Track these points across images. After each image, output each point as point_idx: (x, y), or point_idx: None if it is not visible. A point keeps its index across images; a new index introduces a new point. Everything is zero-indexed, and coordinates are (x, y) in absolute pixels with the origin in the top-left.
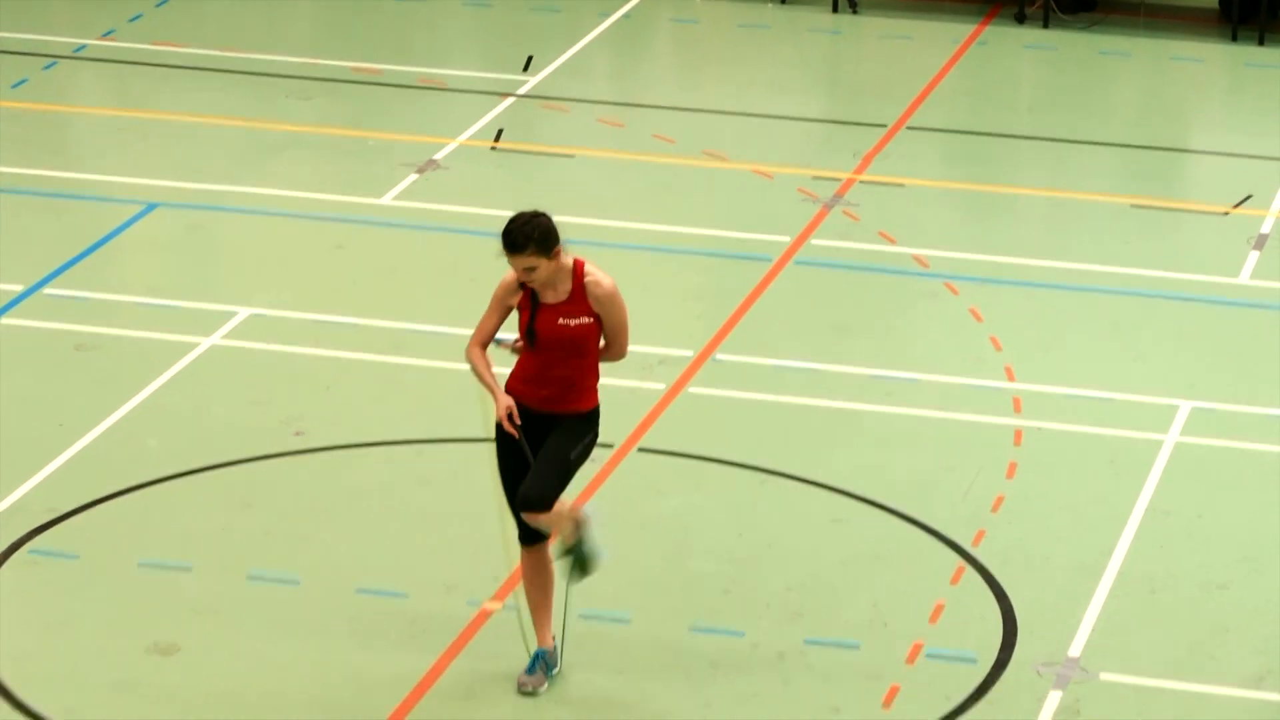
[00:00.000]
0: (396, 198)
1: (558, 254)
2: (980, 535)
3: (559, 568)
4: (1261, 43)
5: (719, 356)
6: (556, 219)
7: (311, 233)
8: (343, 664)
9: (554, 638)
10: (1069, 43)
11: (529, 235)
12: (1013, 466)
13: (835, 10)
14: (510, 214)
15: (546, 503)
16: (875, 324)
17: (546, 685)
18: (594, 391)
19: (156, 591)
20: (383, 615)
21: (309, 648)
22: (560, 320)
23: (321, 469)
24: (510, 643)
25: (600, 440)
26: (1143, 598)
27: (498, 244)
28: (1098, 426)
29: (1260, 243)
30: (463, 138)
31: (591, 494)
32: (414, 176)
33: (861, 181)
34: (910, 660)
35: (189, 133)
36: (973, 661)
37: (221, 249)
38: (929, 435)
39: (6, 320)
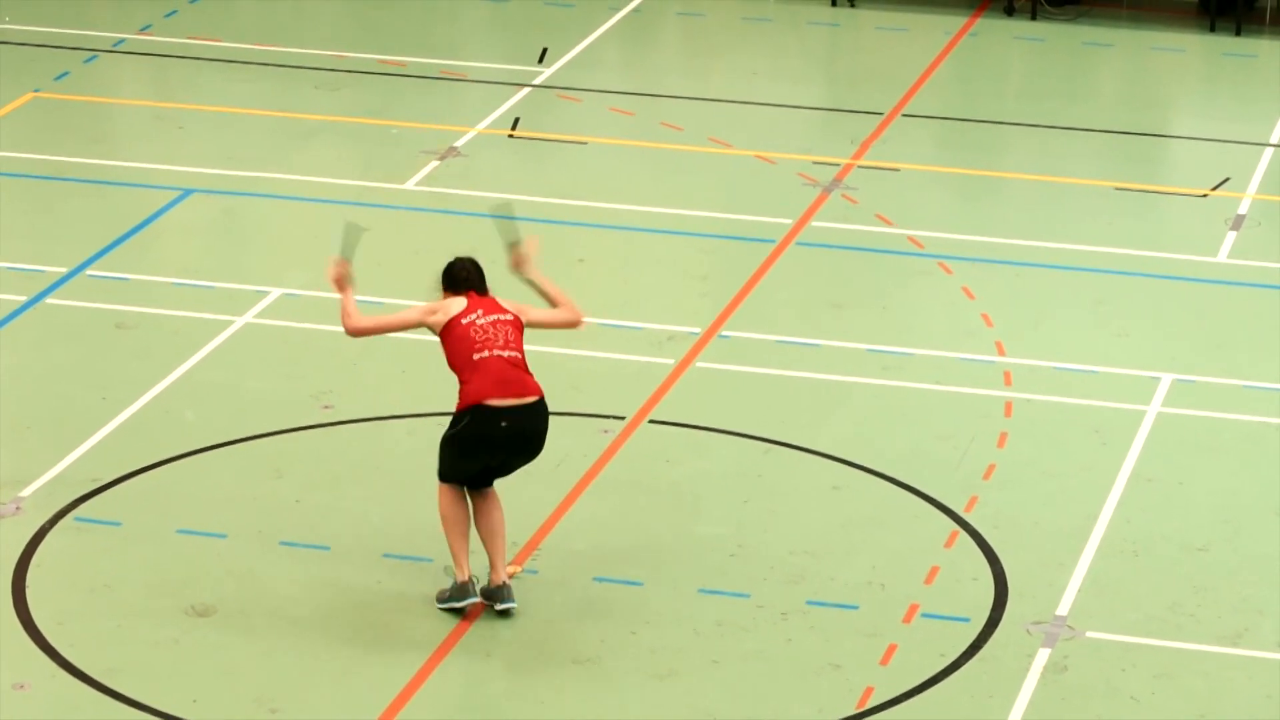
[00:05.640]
0: (419, 183)
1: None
2: (973, 501)
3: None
4: (1238, 33)
5: (725, 333)
6: (571, 203)
7: (339, 216)
8: (371, 625)
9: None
10: (1055, 34)
11: None
12: (1003, 436)
13: (834, 4)
14: (526, 199)
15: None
16: (873, 302)
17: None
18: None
19: (194, 556)
20: (408, 579)
21: (339, 609)
22: None
23: (349, 440)
24: (529, 603)
25: (613, 412)
26: (1126, 560)
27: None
28: (1083, 398)
29: (1237, 223)
30: (481, 126)
31: (606, 463)
32: (435, 163)
33: (859, 166)
34: (907, 620)
35: (223, 122)
36: (966, 621)
37: (254, 232)
38: (924, 407)
39: (52, 300)
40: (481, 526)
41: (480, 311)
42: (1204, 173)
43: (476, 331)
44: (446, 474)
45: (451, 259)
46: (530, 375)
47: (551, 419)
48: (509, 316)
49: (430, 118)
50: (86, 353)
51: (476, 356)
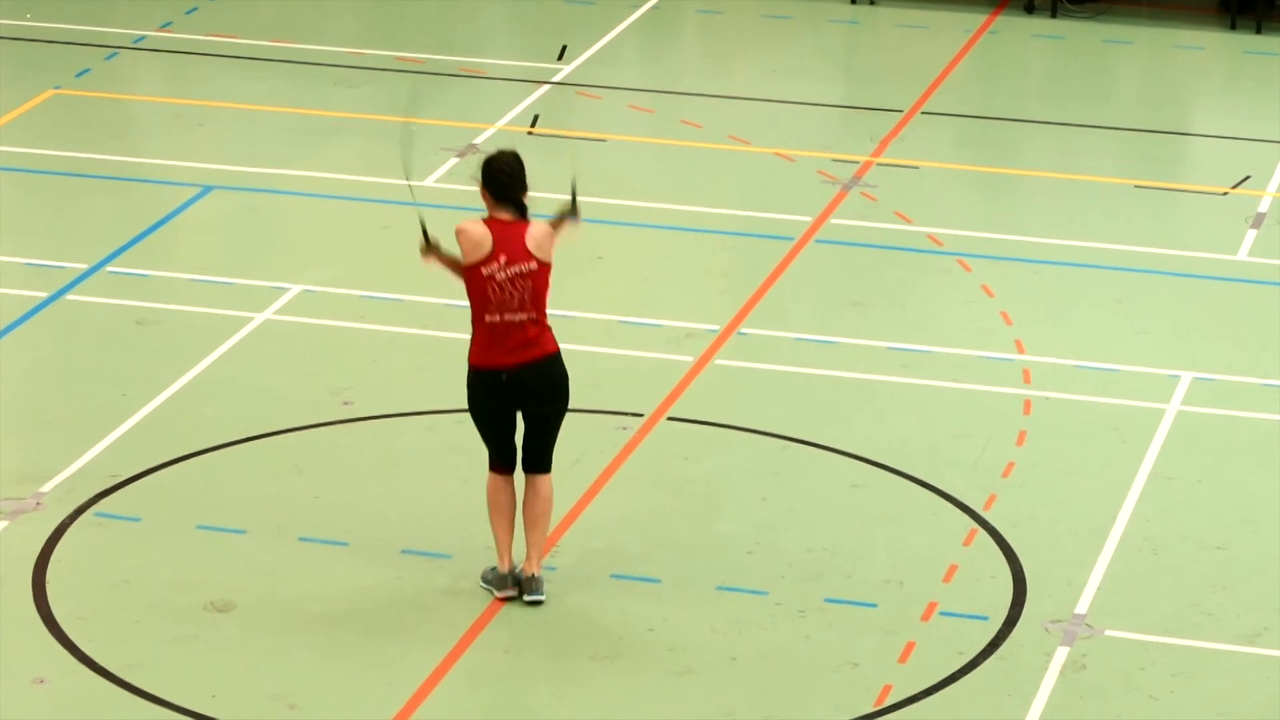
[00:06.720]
0: (438, 180)
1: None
2: (992, 499)
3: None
4: (1259, 31)
5: (744, 330)
6: (590, 200)
7: (359, 213)
8: (390, 621)
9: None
10: (1075, 32)
11: None
12: (1022, 434)
13: (854, 1)
14: (545, 196)
15: None
16: (892, 299)
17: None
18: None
19: (213, 552)
20: (427, 574)
21: (357, 605)
22: None
23: (368, 437)
24: (547, 600)
25: (632, 410)
26: (1146, 558)
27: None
28: (1103, 396)
29: (1258, 221)
30: (501, 123)
31: (624, 461)
32: (454, 160)
33: (879, 164)
34: (925, 618)
35: (243, 119)
36: (985, 619)
37: (274, 229)
38: (943, 405)
39: (72, 296)
40: (524, 513)
41: (503, 260)
42: (1224, 171)
43: (494, 290)
44: (487, 445)
45: (493, 155)
46: (543, 333)
47: (569, 416)
48: (532, 266)
49: (450, 115)
50: (107, 349)
51: (488, 319)
